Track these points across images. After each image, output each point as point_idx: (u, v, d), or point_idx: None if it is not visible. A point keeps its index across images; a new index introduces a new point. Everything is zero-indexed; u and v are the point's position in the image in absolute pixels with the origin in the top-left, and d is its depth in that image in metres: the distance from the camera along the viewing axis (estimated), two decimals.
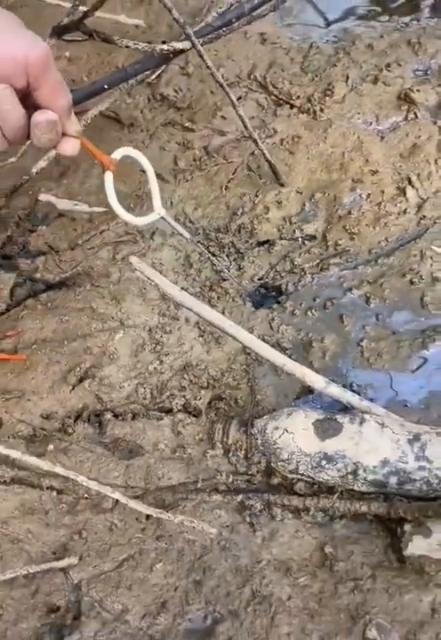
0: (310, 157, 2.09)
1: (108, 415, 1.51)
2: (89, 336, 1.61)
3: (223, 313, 1.72)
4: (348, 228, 1.89)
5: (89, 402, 1.53)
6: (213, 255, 1.84)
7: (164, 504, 1.38)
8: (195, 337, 1.69)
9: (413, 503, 1.28)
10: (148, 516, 1.35)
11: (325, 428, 1.35)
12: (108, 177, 1.23)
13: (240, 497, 1.40)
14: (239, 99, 2.24)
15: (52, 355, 1.58)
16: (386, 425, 1.32)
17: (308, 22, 2.64)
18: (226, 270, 1.79)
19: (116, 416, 1.52)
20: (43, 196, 1.89)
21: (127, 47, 1.79)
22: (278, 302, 1.79)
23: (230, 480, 1.43)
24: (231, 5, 1.99)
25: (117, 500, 1.33)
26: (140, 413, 1.53)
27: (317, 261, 1.83)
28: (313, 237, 1.91)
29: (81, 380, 1.55)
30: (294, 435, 1.36)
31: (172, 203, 1.97)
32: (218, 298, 1.77)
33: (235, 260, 1.86)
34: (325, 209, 1.96)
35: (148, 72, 2.02)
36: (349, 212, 1.92)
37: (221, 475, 1.44)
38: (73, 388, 1.53)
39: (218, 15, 1.97)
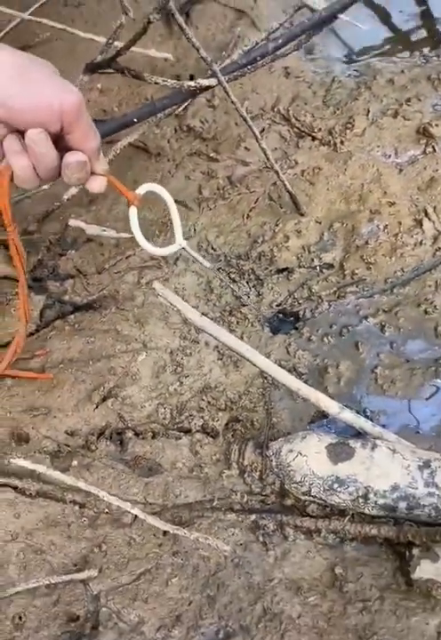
0: (330, 188, 2.15)
1: (130, 433, 1.57)
2: (113, 357, 1.68)
3: (242, 338, 1.78)
4: (365, 257, 1.94)
5: (111, 420, 1.59)
6: (234, 281, 1.91)
7: (180, 521, 1.43)
8: (214, 360, 1.75)
9: (422, 528, 1.29)
10: (165, 532, 1.39)
11: (338, 453, 1.37)
12: (133, 212, 1.30)
13: (254, 517, 1.39)
14: (262, 131, 2.32)
15: (78, 374, 1.65)
16: (397, 451, 1.34)
17: (331, 57, 2.72)
18: (245, 296, 1.86)
19: (136, 434, 1.58)
20: (72, 222, 1.97)
21: (156, 83, 1.88)
22: (296, 328, 1.84)
23: (245, 500, 1.47)
24: (257, 44, 2.09)
25: (136, 516, 1.38)
26: (159, 433, 1.58)
27: (334, 289, 1.89)
28: (331, 266, 1.96)
29: (104, 399, 1.61)
30: (308, 458, 1.38)
31: (195, 230, 2.04)
32: (237, 323, 1.83)
33: (254, 286, 1.93)
34: (343, 239, 2.01)
35: (174, 108, 2.11)
36: (367, 242, 1.97)
37: (236, 494, 1.48)
38: (97, 407, 1.59)
39: (243, 53, 2.07)
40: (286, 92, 2.50)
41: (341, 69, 2.62)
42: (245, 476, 1.50)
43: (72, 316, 1.79)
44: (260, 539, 1.40)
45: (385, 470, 1.33)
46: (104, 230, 1.97)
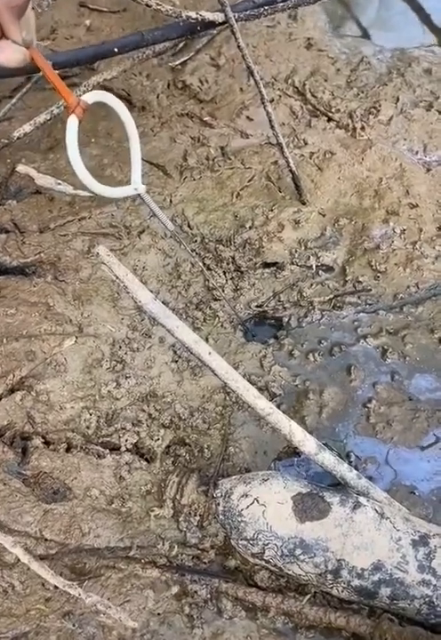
0: (341, 178, 1.79)
1: (37, 441, 1.20)
2: (36, 338, 1.31)
3: (207, 340, 1.42)
4: (373, 264, 1.58)
5: (16, 419, 1.22)
6: (208, 269, 1.54)
7: (83, 570, 1.08)
8: (167, 362, 1.38)
9: (408, 628, 1.04)
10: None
11: (308, 507, 1.10)
12: (72, 123, 0.98)
13: (182, 578, 1.08)
14: (271, 101, 1.97)
15: None
16: (386, 515, 1.09)
17: (362, 36, 2.41)
18: (220, 289, 1.49)
19: (46, 443, 1.21)
20: (21, 168, 1.61)
21: (148, 6, 1.51)
22: (276, 337, 1.50)
23: (174, 553, 1.12)
24: None
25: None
26: (77, 445, 1.22)
27: (331, 297, 1.53)
28: (330, 268, 1.60)
29: (12, 391, 1.25)
30: (267, 508, 1.10)
31: (171, 201, 1.68)
32: (204, 320, 1.47)
33: (232, 279, 1.56)
34: (350, 238, 1.65)
35: (168, 45, 1.75)
36: (378, 247, 1.62)
37: (164, 544, 1.13)
38: (0, 399, 1.22)
39: None
40: (305, 65, 2.17)
41: (372, 51, 2.33)
42: (181, 519, 1.17)
43: None
44: (186, 610, 1.08)
45: (367, 540, 1.07)
46: (59, 183, 1.61)
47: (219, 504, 1.15)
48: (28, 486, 1.14)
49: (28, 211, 1.57)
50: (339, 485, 1.16)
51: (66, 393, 1.28)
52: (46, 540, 1.09)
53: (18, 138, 1.61)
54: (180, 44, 2.16)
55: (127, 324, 1.42)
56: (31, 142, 1.76)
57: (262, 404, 1.17)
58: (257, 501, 1.11)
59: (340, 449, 1.31)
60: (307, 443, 1.14)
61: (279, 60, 2.17)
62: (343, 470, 1.14)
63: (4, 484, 1.13)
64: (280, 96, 2.04)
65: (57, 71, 1.09)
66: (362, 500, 1.11)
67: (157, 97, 1.98)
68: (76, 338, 1.31)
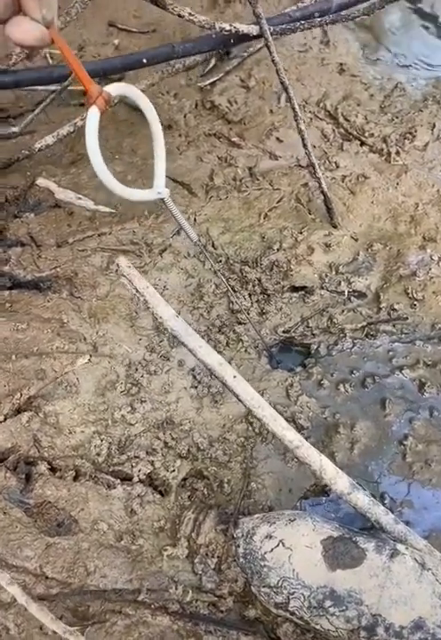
0: (375, 202, 1.70)
1: (43, 466, 1.10)
2: (47, 355, 1.22)
3: (230, 364, 1.31)
4: (409, 291, 1.48)
5: (21, 442, 1.12)
6: (233, 290, 1.44)
7: (85, 614, 0.96)
8: (186, 387, 1.28)
9: None
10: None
11: (340, 553, 0.98)
12: (93, 115, 0.90)
13: (196, 627, 0.96)
14: None
15: None
16: (427, 566, 0.97)
17: (396, 63, 2.36)
18: (245, 311, 1.39)
19: (52, 470, 1.11)
20: (41, 181, 1.54)
21: (180, 16, 1.45)
22: (303, 365, 1.39)
23: (188, 598, 1.01)
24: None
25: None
26: (86, 473, 1.11)
27: (364, 324, 1.43)
28: (363, 295, 1.50)
29: (19, 411, 1.15)
30: (293, 552, 0.99)
31: (195, 220, 1.60)
32: (227, 343, 1.38)
33: (258, 302, 1.46)
34: (384, 264, 1.55)
35: (198, 59, 1.69)
36: (414, 274, 1.52)
37: (177, 587, 1.01)
38: (5, 419, 1.13)
39: (299, 7, 1.63)
40: (337, 89, 2.11)
41: (407, 78, 2.26)
42: (196, 560, 1.05)
43: (6, 293, 1.34)
44: None
45: (407, 593, 0.96)
46: (79, 198, 1.54)
47: (239, 545, 1.04)
48: (31, 517, 1.04)
49: (46, 224, 1.50)
50: (373, 529, 1.05)
51: (76, 416, 1.18)
52: (47, 577, 0.98)
53: (39, 149, 1.55)
54: (210, 65, 2.11)
55: (145, 345, 1.32)
56: (53, 156, 1.70)
57: (291, 436, 1.07)
58: (282, 544, 1.00)
59: (373, 490, 1.19)
60: (339, 480, 1.03)
61: (311, 84, 2.12)
62: (379, 513, 1.03)
63: (4, 513, 1.03)
64: (311, 119, 1.97)
65: None
66: (400, 547, 1.00)
67: (185, 116, 1.92)
68: (90, 357, 1.22)
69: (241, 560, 1.03)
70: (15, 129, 1.61)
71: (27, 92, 1.85)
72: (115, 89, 0.94)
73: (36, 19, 0.79)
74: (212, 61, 2.13)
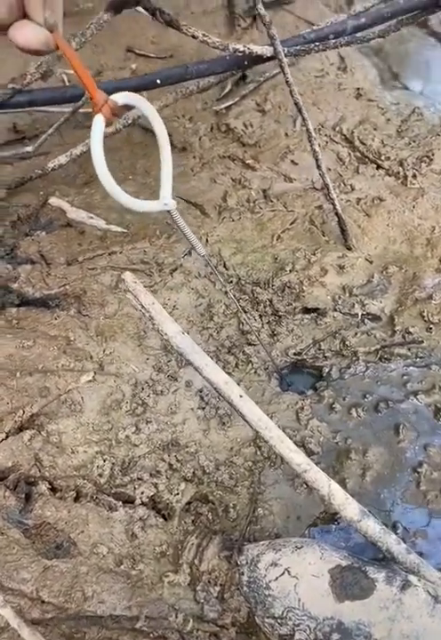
0: (391, 225, 1.67)
1: (43, 486, 1.07)
2: (52, 373, 1.20)
3: (238, 385, 1.28)
4: (425, 314, 1.44)
5: (22, 461, 1.09)
6: (244, 311, 1.41)
7: None
8: (193, 408, 1.25)
9: None
10: None
11: (348, 583, 0.94)
12: (98, 123, 0.89)
13: None
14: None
15: None
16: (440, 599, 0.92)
17: (414, 89, 2.36)
18: (255, 332, 1.36)
19: (52, 490, 1.08)
20: (54, 200, 1.54)
21: (194, 37, 1.45)
22: (315, 389, 1.35)
23: (189, 628, 0.96)
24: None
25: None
26: (87, 494, 1.08)
27: (378, 348, 1.39)
28: (377, 317, 1.46)
29: (21, 429, 1.12)
30: (299, 581, 0.94)
31: (207, 240, 1.58)
32: (236, 365, 1.34)
33: (269, 323, 1.43)
34: (399, 287, 1.52)
35: (212, 80, 1.69)
36: (430, 297, 1.48)
37: (177, 616, 0.97)
38: (6, 437, 1.10)
39: (314, 29, 1.63)
40: (354, 114, 2.10)
41: (425, 103, 2.24)
42: (198, 588, 1.01)
43: (14, 310, 1.33)
44: None
45: (419, 628, 0.90)
46: (91, 217, 1.53)
47: (243, 573, 0.99)
48: (29, 538, 1.01)
49: (57, 243, 1.49)
50: (384, 560, 1.00)
51: (79, 435, 1.15)
52: (43, 602, 0.94)
53: (52, 169, 1.55)
54: (226, 90, 2.12)
55: (152, 364, 1.30)
56: (67, 177, 1.70)
57: (299, 459, 1.02)
58: (288, 572, 0.95)
59: (385, 519, 1.14)
60: (348, 507, 0.99)
61: (327, 109, 2.11)
62: (390, 542, 0.98)
63: (2, 533, 0.99)
64: (327, 142, 1.96)
65: None
66: (412, 578, 0.94)
67: (199, 139, 1.92)
68: (95, 373, 1.20)
69: (245, 588, 0.98)
70: (29, 149, 1.62)
71: (43, 114, 1.87)
72: (121, 97, 0.93)
73: (39, 22, 0.79)
74: (228, 86, 2.14)
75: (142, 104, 0.96)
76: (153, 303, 1.05)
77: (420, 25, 2.62)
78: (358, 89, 2.21)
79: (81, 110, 1.72)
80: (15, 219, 1.52)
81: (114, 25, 2.35)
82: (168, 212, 1.02)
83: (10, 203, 1.55)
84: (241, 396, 1.03)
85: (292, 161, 1.88)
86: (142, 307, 1.05)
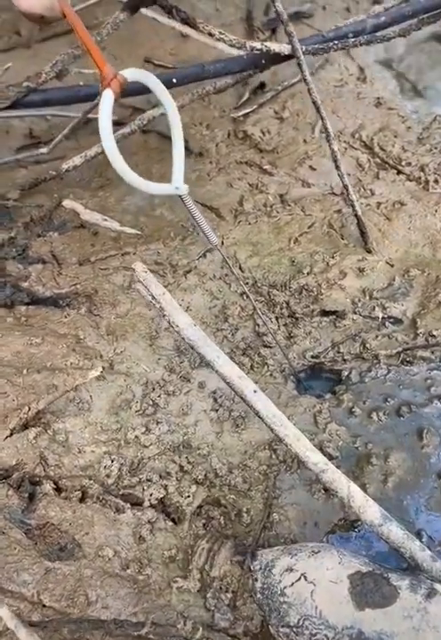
0: (412, 228, 1.63)
1: (48, 486, 1.02)
2: (60, 371, 1.16)
3: None
4: None
5: (27, 459, 1.05)
6: (259, 312, 1.37)
7: None
8: (205, 409, 1.20)
9: None
10: None
11: (369, 590, 0.88)
12: (107, 98, 0.87)
13: None
14: None
15: (0, 382, 1.13)
16: None
17: (435, 98, 2.31)
18: (272, 332, 1.31)
19: (57, 490, 1.03)
20: (68, 202, 1.52)
21: (210, 35, 1.43)
22: (333, 392, 1.29)
23: (198, 636, 0.91)
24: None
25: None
26: (93, 495, 1.03)
27: (399, 351, 1.33)
28: (398, 321, 1.40)
29: (26, 427, 1.08)
30: (316, 587, 0.88)
31: (223, 243, 1.54)
32: (251, 367, 1.30)
33: (285, 325, 1.39)
34: (422, 290, 1.46)
35: (229, 82, 1.66)
36: None
37: (186, 623, 0.91)
38: (10, 434, 1.06)
39: (334, 28, 1.61)
40: (374, 122, 2.07)
41: None
42: (209, 595, 0.95)
43: (23, 308, 1.30)
44: None
45: None
46: (105, 219, 1.51)
47: (256, 579, 0.93)
48: (31, 539, 0.96)
49: (70, 243, 1.46)
50: (408, 568, 0.93)
51: (87, 434, 1.11)
52: (44, 605, 0.89)
53: (67, 170, 1.53)
54: (244, 98, 2.10)
55: (164, 364, 1.25)
56: (81, 181, 1.69)
57: (316, 459, 0.97)
58: (304, 578, 0.89)
59: (408, 526, 1.07)
60: (369, 510, 0.93)
61: (346, 117, 2.08)
62: (414, 548, 0.91)
63: (3, 533, 0.95)
64: (346, 148, 1.93)
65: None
66: (438, 586, 0.88)
67: (216, 145, 1.90)
68: (103, 369, 1.15)
69: (258, 595, 0.92)
70: (44, 150, 1.60)
71: (59, 120, 1.86)
72: (131, 74, 0.91)
73: None
74: (246, 94, 2.13)
75: (151, 81, 0.93)
76: (163, 294, 1.01)
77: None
78: (378, 98, 2.18)
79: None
80: (28, 220, 1.50)
81: (133, 36, 2.37)
82: (179, 196, 0.99)
83: (23, 204, 1.54)
84: (255, 392, 0.98)
85: (311, 166, 1.84)
86: (153, 297, 1.01)
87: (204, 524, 1.03)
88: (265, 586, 0.92)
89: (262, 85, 2.16)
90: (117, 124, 1.80)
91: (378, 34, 1.52)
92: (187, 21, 1.40)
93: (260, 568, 0.94)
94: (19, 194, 1.52)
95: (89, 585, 0.93)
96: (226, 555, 0.98)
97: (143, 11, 1.95)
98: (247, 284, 1.45)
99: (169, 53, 2.34)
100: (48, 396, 1.10)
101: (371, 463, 1.14)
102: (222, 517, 1.05)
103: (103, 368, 1.16)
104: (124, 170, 0.92)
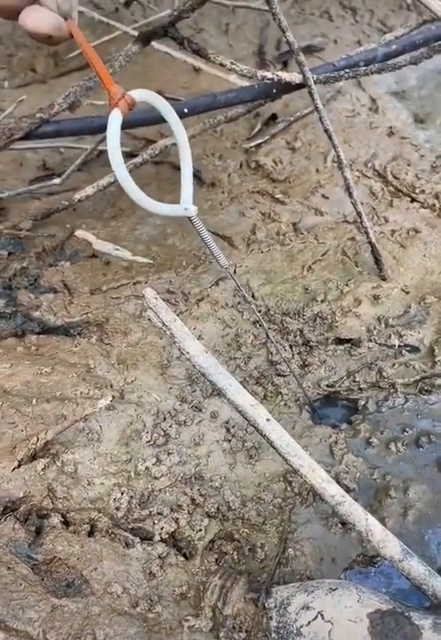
0: (428, 256, 1.61)
1: (55, 519, 0.99)
2: (69, 401, 1.14)
3: None
4: None
5: (34, 492, 1.02)
6: (272, 340, 1.34)
7: None
8: (218, 440, 1.17)
9: None
10: None
11: (390, 630, 0.83)
12: (115, 119, 0.86)
13: None
14: None
15: (8, 412, 1.11)
16: None
17: None
18: (286, 361, 1.29)
19: (65, 523, 1.00)
20: (80, 232, 1.52)
21: (222, 65, 1.43)
22: (349, 422, 1.25)
23: None
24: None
25: None
26: (102, 529, 1.00)
27: (417, 379, 1.29)
28: (415, 349, 1.37)
29: (34, 458, 1.06)
30: (334, 627, 0.84)
31: (235, 271, 1.52)
32: (264, 396, 1.27)
33: (299, 353, 1.36)
34: (439, 317, 1.44)
35: (240, 111, 1.66)
36: None
37: None
38: (18, 465, 1.03)
39: (345, 56, 1.61)
40: (386, 151, 2.06)
41: None
42: (222, 634, 0.91)
43: (34, 337, 1.28)
44: None
45: None
46: (117, 249, 1.50)
47: (271, 617, 0.89)
48: (38, 574, 0.92)
49: (81, 273, 1.46)
50: (431, 607, 0.88)
51: (97, 466, 1.08)
52: None
53: (79, 200, 1.54)
54: (256, 129, 2.11)
55: (175, 394, 1.23)
56: (94, 211, 1.69)
57: (332, 490, 0.93)
58: (321, 616, 0.84)
59: (429, 562, 1.02)
60: (388, 544, 0.88)
61: (359, 146, 2.08)
62: (437, 585, 0.87)
63: (8, 568, 0.91)
64: (359, 177, 1.92)
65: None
66: None
67: (229, 175, 1.89)
68: (113, 398, 1.13)
69: (273, 635, 0.87)
70: (57, 181, 1.61)
71: (73, 152, 1.88)
72: (139, 94, 0.90)
73: (52, 8, 0.77)
74: (258, 125, 2.14)
75: (159, 102, 0.93)
76: (174, 320, 0.99)
77: None
78: (390, 127, 2.18)
79: None
80: (40, 250, 1.50)
81: (146, 71, 2.41)
82: (189, 218, 0.97)
83: (36, 234, 1.54)
84: (268, 420, 0.95)
85: (323, 195, 1.83)
86: (163, 324, 0.99)
87: (216, 560, 0.99)
88: (280, 625, 0.87)
89: (274, 117, 2.16)
90: (130, 155, 1.81)
91: (389, 62, 1.52)
92: (198, 52, 1.41)
93: (275, 606, 0.90)
94: (31, 224, 1.52)
95: (97, 623, 0.89)
96: (239, 592, 0.93)
97: (155, 45, 1.98)
98: (260, 311, 1.43)
99: (181, 87, 2.36)
100: (57, 427, 1.08)
101: (390, 496, 1.10)
102: (235, 552, 1.00)
103: (113, 397, 1.14)
104: (132, 188, 0.91)
